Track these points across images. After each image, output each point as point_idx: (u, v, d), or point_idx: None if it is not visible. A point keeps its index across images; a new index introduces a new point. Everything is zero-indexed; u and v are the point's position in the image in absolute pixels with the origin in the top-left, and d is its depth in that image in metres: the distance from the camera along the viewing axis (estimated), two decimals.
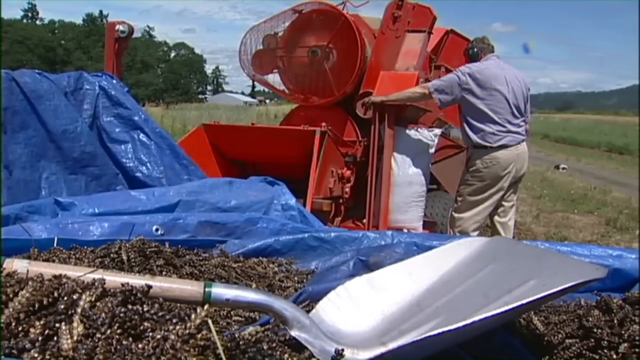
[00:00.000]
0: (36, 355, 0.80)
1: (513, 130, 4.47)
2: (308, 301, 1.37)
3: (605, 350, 1.09)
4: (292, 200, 2.33)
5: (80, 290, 0.93)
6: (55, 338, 0.85)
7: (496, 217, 4.85)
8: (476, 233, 4.70)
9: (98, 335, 0.86)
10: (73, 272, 1.02)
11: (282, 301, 1.05)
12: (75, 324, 0.87)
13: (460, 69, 4.58)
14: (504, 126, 4.44)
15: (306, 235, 1.88)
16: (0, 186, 2.28)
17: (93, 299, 0.92)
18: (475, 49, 4.74)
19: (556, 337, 1.17)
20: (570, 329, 1.19)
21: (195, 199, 2.16)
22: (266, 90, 6.34)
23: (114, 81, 3.00)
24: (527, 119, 4.65)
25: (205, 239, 1.86)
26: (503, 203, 4.76)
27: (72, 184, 2.65)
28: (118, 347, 0.84)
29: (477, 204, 4.62)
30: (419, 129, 4.82)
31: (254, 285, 1.59)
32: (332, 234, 1.89)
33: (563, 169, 16.25)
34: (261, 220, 2.00)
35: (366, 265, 1.67)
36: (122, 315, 0.89)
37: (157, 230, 1.80)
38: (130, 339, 0.87)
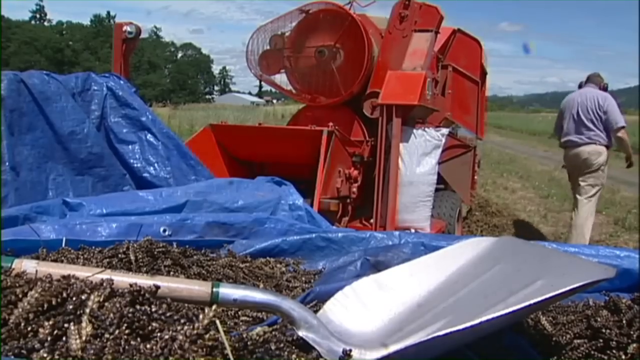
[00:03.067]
0: (45, 355, 0.81)
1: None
2: (315, 301, 1.37)
3: (614, 351, 1.08)
4: (300, 201, 2.33)
5: (88, 291, 0.94)
6: (64, 338, 0.85)
7: None
8: None
9: (106, 335, 0.86)
10: (81, 272, 1.02)
11: (290, 301, 1.05)
12: (83, 324, 0.87)
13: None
14: None
15: (314, 235, 1.88)
16: (0, 185, 2.29)
17: (101, 299, 0.92)
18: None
19: (564, 338, 1.17)
20: (579, 329, 1.18)
21: (202, 199, 2.16)
22: (273, 90, 6.35)
23: (122, 82, 3.00)
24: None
25: (212, 239, 1.86)
26: None
27: (79, 185, 2.66)
28: (126, 347, 0.84)
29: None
30: (426, 129, 4.82)
31: (261, 286, 1.59)
32: (340, 235, 1.89)
33: None
34: (269, 220, 2.00)
35: (373, 266, 1.67)
36: (130, 315, 0.89)
37: (164, 231, 1.80)
38: (139, 339, 0.87)
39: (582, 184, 6.42)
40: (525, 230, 7.80)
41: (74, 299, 0.92)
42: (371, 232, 1.94)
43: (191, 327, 0.88)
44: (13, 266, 1.02)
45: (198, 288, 1.03)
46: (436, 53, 5.64)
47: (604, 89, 6.45)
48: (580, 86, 6.57)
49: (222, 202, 2.19)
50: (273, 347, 0.93)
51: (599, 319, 1.17)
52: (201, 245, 1.81)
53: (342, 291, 1.22)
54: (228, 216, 1.99)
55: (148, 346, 0.85)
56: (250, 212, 2.15)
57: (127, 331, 0.87)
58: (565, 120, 6.47)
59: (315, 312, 1.13)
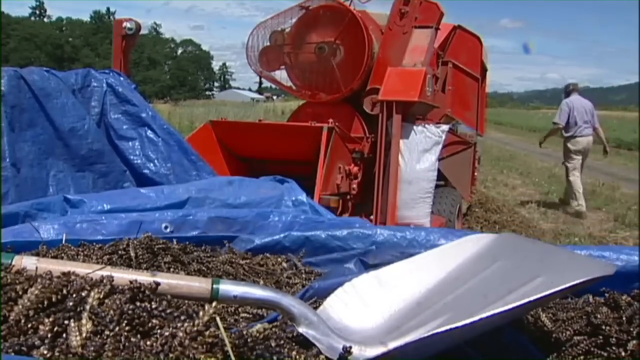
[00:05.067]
0: (45, 352, 0.81)
1: None
2: (315, 298, 1.37)
3: (614, 348, 1.08)
4: (303, 196, 2.32)
5: (88, 288, 0.94)
6: (64, 335, 0.85)
7: None
8: None
9: (106, 332, 0.86)
10: (81, 269, 1.02)
11: (290, 298, 1.05)
12: (84, 321, 0.87)
13: None
14: None
15: (316, 232, 1.86)
16: (0, 182, 2.29)
17: (101, 296, 0.92)
18: None
19: (564, 334, 1.17)
20: (579, 326, 1.18)
21: (204, 195, 2.15)
22: (273, 86, 6.34)
23: (122, 78, 3.00)
24: None
25: (216, 234, 1.85)
26: None
27: (79, 182, 2.66)
28: (126, 344, 0.84)
29: None
30: (426, 125, 4.82)
31: (261, 282, 1.59)
32: (345, 232, 1.86)
33: None
34: (272, 214, 1.98)
35: (373, 262, 1.67)
36: (130, 312, 0.89)
37: (166, 227, 1.80)
38: (139, 336, 0.87)
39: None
40: (525, 227, 7.80)
41: (74, 295, 0.92)
42: (375, 229, 1.91)
43: (191, 323, 0.88)
44: (13, 263, 1.02)
45: (198, 285, 1.03)
46: (436, 49, 5.63)
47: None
48: (569, 94, 9.20)
49: (224, 199, 2.18)
50: (273, 344, 0.92)
51: (598, 316, 1.17)
52: (204, 241, 1.80)
53: (342, 287, 1.22)
54: (231, 211, 1.98)
55: (148, 343, 0.85)
56: (253, 208, 2.14)
57: (127, 328, 0.87)
58: (577, 118, 8.98)
59: (315, 308, 1.13)
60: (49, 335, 0.84)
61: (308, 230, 1.86)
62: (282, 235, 1.84)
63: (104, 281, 0.97)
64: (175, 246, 1.65)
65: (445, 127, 4.94)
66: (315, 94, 5.39)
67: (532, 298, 0.99)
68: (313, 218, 2.00)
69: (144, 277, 1.01)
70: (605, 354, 1.08)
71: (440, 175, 5.50)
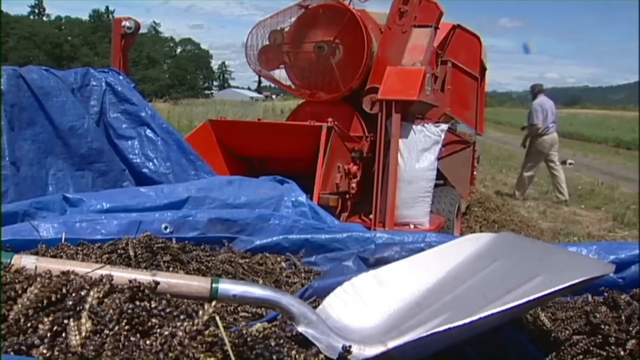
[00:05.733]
0: (45, 351, 0.81)
1: None
2: (314, 297, 1.37)
3: (613, 347, 1.08)
4: (303, 197, 2.32)
5: (88, 287, 0.94)
6: (63, 334, 0.85)
7: None
8: None
9: (106, 331, 0.86)
10: (81, 268, 1.02)
11: (289, 297, 1.05)
12: (83, 321, 0.87)
13: None
14: None
15: (316, 235, 1.86)
16: (0, 181, 2.28)
17: (101, 296, 0.92)
18: None
19: (563, 334, 1.17)
20: (578, 326, 1.18)
21: (204, 195, 2.15)
22: (272, 85, 6.34)
23: (121, 77, 3.00)
24: None
25: (215, 235, 1.85)
26: None
27: (78, 181, 2.66)
28: (126, 343, 0.84)
29: None
30: (425, 125, 4.82)
31: (260, 281, 1.59)
32: (344, 234, 1.86)
33: (570, 164, 16.20)
34: (273, 216, 1.98)
35: (372, 262, 1.67)
36: (129, 311, 0.89)
37: (165, 228, 1.80)
38: (138, 335, 0.87)
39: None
40: (524, 226, 7.80)
41: (73, 295, 0.92)
42: (375, 232, 1.92)
43: (191, 323, 0.88)
44: (12, 262, 1.02)
45: (197, 284, 1.03)
46: (436, 49, 5.63)
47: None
48: (536, 95, 10.29)
49: (224, 199, 2.18)
50: (273, 343, 0.92)
51: (597, 315, 1.17)
52: (203, 242, 1.80)
53: (341, 287, 1.22)
54: (231, 212, 1.98)
55: (148, 342, 0.85)
56: (253, 208, 2.13)
57: (126, 327, 0.87)
58: (548, 118, 10.01)
59: (315, 307, 1.13)
60: (49, 335, 0.84)
61: (308, 234, 1.86)
62: (281, 237, 1.85)
63: (104, 280, 0.97)
64: (175, 245, 1.65)
65: (445, 127, 4.95)
66: (315, 93, 5.39)
67: (531, 297, 0.99)
68: (313, 224, 2.00)
69: (143, 277, 1.01)
70: (604, 354, 1.08)
71: (440, 175, 5.50)
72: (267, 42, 5.48)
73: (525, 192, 10.52)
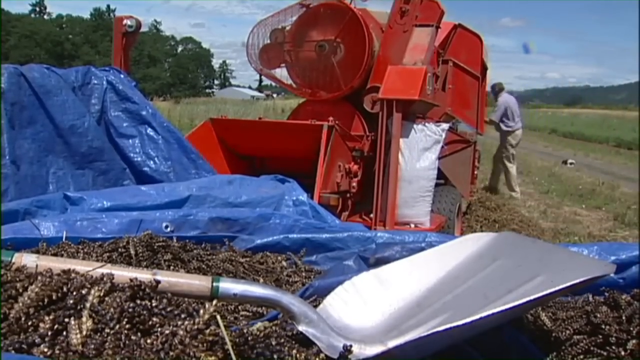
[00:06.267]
0: (46, 350, 0.81)
1: None
2: (315, 296, 1.37)
3: (614, 347, 1.08)
4: (303, 196, 2.32)
5: (89, 285, 0.94)
6: (64, 333, 0.85)
7: None
8: None
9: (107, 330, 0.86)
10: (81, 266, 1.02)
11: (290, 296, 1.05)
12: (84, 319, 0.87)
13: None
14: None
15: (316, 234, 1.86)
16: (0, 179, 2.28)
17: (102, 294, 0.92)
18: None
19: (564, 334, 1.17)
20: (578, 325, 1.18)
21: (205, 194, 2.15)
22: (273, 84, 6.34)
23: (122, 76, 3.00)
24: None
25: (216, 234, 1.85)
26: None
27: (79, 179, 2.66)
28: (127, 342, 0.84)
29: None
30: (426, 124, 4.81)
31: (261, 280, 1.59)
32: (345, 234, 1.86)
33: (571, 164, 16.20)
34: (274, 216, 1.98)
35: (373, 261, 1.67)
36: (130, 310, 0.89)
37: (166, 227, 1.80)
38: (139, 334, 0.87)
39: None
40: (525, 226, 7.79)
41: (74, 293, 0.92)
42: (376, 232, 1.92)
43: (192, 322, 0.88)
44: (13, 260, 1.02)
45: (198, 282, 1.03)
46: (437, 48, 5.63)
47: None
48: (497, 93, 10.96)
49: (225, 198, 2.18)
50: (273, 342, 0.92)
51: (598, 315, 1.17)
52: (204, 241, 1.80)
53: (342, 286, 1.22)
54: (232, 211, 1.98)
55: (148, 341, 0.85)
56: (254, 207, 2.14)
57: (127, 326, 0.87)
58: (514, 114, 10.70)
59: (315, 307, 1.13)
60: (49, 333, 0.84)
61: (308, 234, 1.86)
62: (282, 236, 1.85)
63: (104, 279, 0.97)
64: (175, 244, 1.65)
65: (445, 126, 4.94)
66: (316, 92, 5.39)
67: (531, 297, 0.99)
68: (314, 224, 2.00)
69: (144, 275, 1.01)
70: (605, 353, 1.08)
71: (440, 174, 5.50)
72: (268, 41, 5.48)
73: (517, 187, 10.52)
